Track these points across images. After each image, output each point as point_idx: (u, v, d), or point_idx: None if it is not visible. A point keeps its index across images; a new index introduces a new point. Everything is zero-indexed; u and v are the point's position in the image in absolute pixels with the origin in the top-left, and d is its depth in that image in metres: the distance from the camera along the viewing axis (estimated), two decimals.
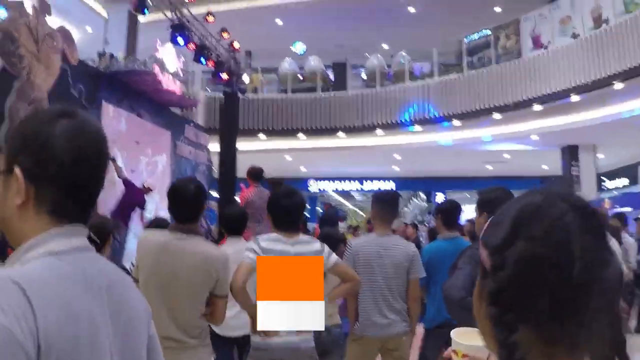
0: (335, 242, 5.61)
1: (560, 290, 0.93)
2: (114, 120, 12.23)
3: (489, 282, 1.00)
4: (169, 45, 13.42)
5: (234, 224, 5.47)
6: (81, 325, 1.24)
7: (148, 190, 11.13)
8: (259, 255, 3.86)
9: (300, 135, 19.93)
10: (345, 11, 19.26)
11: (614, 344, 1.01)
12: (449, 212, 5.71)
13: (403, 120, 18.86)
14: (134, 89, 12.79)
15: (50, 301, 1.20)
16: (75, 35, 20.69)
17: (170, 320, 3.56)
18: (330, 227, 6.11)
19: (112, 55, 13.45)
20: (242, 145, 18.74)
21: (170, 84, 13.30)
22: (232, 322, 4.63)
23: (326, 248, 4.15)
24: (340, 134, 19.55)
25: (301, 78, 21.10)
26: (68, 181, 1.34)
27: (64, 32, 10.58)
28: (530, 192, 1.06)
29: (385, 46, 21.33)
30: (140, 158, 13.23)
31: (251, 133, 19.90)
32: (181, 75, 13.89)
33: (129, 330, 1.41)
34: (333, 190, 26.66)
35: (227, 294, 3.76)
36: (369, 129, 19.23)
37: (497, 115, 16.92)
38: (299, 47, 21.65)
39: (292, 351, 4.00)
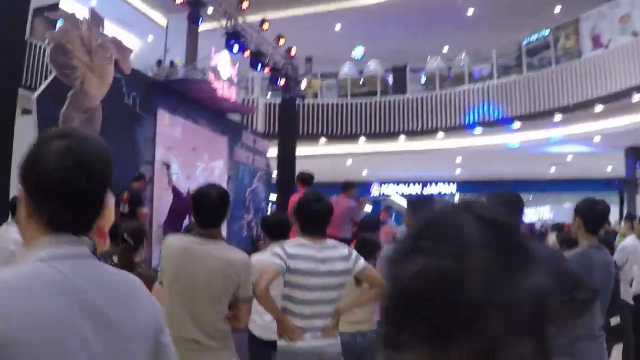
0: (372, 248, 5.63)
1: (452, 310, 0.84)
2: (170, 127, 12.59)
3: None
4: (224, 52, 13.70)
5: (274, 230, 5.52)
6: (45, 327, 1.38)
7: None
8: (285, 261, 3.92)
9: (361, 139, 20.00)
10: (403, 15, 19.31)
11: None
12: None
13: (465, 123, 18.68)
14: (189, 96, 13.10)
15: (13, 304, 1.36)
16: (137, 44, 21.46)
17: (192, 323, 3.64)
18: (370, 232, 6.13)
19: (171, 63, 13.84)
20: (303, 150, 18.97)
21: (226, 91, 13.56)
22: (273, 326, 4.71)
23: (354, 253, 4.17)
24: (401, 137, 19.53)
25: (361, 83, 21.10)
26: (61, 196, 1.51)
27: (116, 43, 10.94)
28: (441, 202, 1.00)
29: (444, 49, 21.17)
30: (197, 164, 13.56)
31: (312, 138, 20.13)
32: (235, 81, 14.11)
33: (118, 339, 1.51)
34: (396, 193, 26.59)
35: (250, 297, 3.83)
36: (429, 132, 19.20)
37: (558, 117, 16.60)
38: (358, 52, 21.75)
39: (318, 355, 4.04)
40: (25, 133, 9.21)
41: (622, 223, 10.74)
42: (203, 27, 15.21)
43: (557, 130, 17.48)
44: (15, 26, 7.99)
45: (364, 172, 24.08)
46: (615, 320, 6.16)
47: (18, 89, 8.17)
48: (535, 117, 17.17)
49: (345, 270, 4.06)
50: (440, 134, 19.17)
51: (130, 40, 22.14)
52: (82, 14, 10.46)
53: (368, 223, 6.72)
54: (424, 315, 0.86)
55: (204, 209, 3.85)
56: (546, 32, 17.76)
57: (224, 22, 14.08)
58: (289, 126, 17.37)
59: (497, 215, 0.91)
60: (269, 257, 4.18)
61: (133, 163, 11.35)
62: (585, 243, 4.22)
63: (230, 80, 13.83)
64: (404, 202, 27.91)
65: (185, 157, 13.01)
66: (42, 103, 9.26)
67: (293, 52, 16.95)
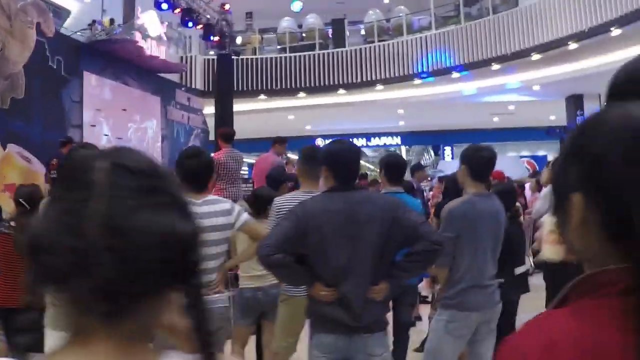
0: (264, 202, 5.62)
1: (66, 255, 0.86)
2: (98, 89, 12.66)
3: None
4: (151, 11, 13.68)
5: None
6: None
7: None
8: None
9: (301, 94, 20.13)
10: None
11: (202, 335, 0.95)
12: (394, 167, 5.77)
13: (407, 74, 18.91)
14: (117, 57, 13.12)
15: None
16: (74, 5, 21.13)
17: None
18: (273, 189, 6.21)
19: (94, 22, 13.78)
20: (243, 106, 19.09)
21: (154, 50, 13.59)
22: None
23: (237, 207, 4.22)
24: (341, 90, 19.73)
25: (300, 37, 21.17)
26: None
27: (37, 6, 10.93)
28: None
29: (385, 0, 21.32)
30: (129, 125, 13.65)
31: (252, 94, 20.14)
32: (165, 40, 14.14)
33: None
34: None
35: None
36: (368, 84, 19.37)
37: (496, 66, 16.96)
38: (296, 6, 21.74)
39: None
40: None
41: (544, 171, 10.21)
42: None
43: (495, 80, 17.88)
44: None
45: (307, 127, 24.25)
46: (519, 270, 6.20)
47: None
48: (475, 67, 17.50)
49: (226, 224, 4.09)
50: (380, 86, 19.38)
51: (67, 1, 21.82)
52: None
53: (271, 177, 6.69)
54: (45, 260, 0.88)
55: (188, 175, 4.09)
56: None
57: None
58: (225, 83, 17.41)
59: (138, 161, 0.94)
60: None
61: (61, 127, 11.42)
62: (471, 191, 4.26)
63: (159, 38, 13.85)
64: None
65: (115, 119, 13.10)
66: None
67: (227, 7, 16.91)
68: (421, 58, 18.58)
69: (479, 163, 4.27)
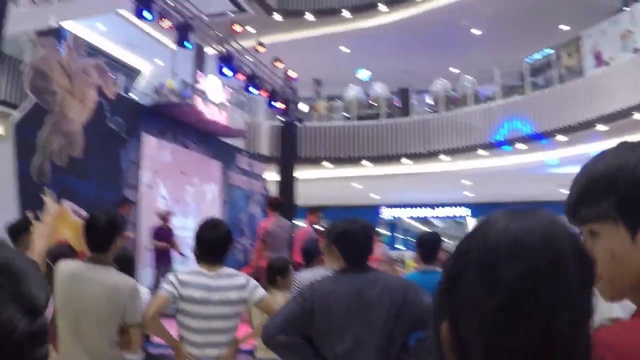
0: (275, 272, 5.76)
1: None
2: (157, 151, 12.98)
3: None
4: (214, 76, 14.08)
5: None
6: None
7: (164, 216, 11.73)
8: (177, 288, 4.01)
9: (365, 162, 20.23)
10: (410, 36, 19.59)
11: None
12: (426, 244, 5.73)
13: (474, 144, 18.77)
14: (177, 120, 13.47)
15: None
16: (146, 67, 22.00)
17: (81, 349, 3.75)
18: (306, 262, 6.17)
19: (160, 86, 14.25)
20: (308, 173, 19.29)
21: (215, 115, 13.93)
22: None
23: (252, 282, 4.19)
24: (405, 160, 19.74)
25: (367, 105, 21.42)
26: None
27: (99, 67, 11.38)
28: None
29: (451, 70, 21.41)
30: (186, 187, 13.90)
31: (316, 161, 20.38)
32: (227, 105, 14.50)
33: None
34: (407, 217, 26.79)
35: (138, 322, 3.97)
36: (432, 154, 19.34)
37: (561, 137, 16.66)
38: (363, 74, 22.06)
39: None
40: (3, 159, 9.70)
41: None
42: (210, 51, 15.58)
43: (561, 152, 17.55)
44: None
45: (374, 196, 24.27)
46: None
47: None
48: (543, 137, 17.24)
49: (240, 299, 4.10)
50: (444, 157, 19.31)
51: (140, 63, 22.83)
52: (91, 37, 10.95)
53: (305, 250, 6.65)
54: None
55: (93, 234, 4.02)
56: (549, 50, 17.89)
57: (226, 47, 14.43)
58: (288, 150, 17.66)
59: None
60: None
61: (116, 186, 11.71)
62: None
63: (220, 103, 14.20)
64: (418, 224, 28.14)
65: (173, 181, 13.39)
66: (20, 128, 9.63)
67: (292, 75, 17.28)
68: (486, 129, 18.43)
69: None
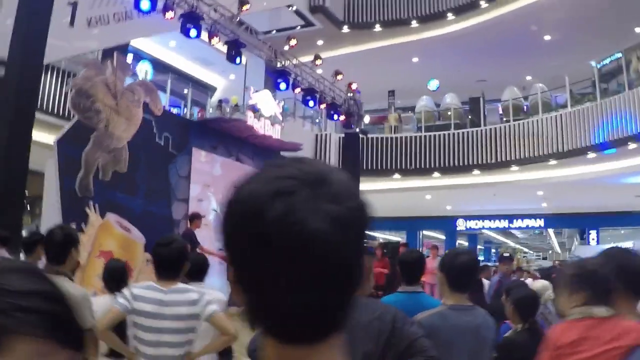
0: None
1: None
2: (207, 165, 13.40)
3: None
4: (266, 90, 14.42)
5: (192, 269, 5.82)
6: None
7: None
8: (129, 301, 4.23)
9: (435, 173, 20.16)
10: (479, 44, 19.44)
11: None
12: (408, 265, 5.59)
13: (545, 153, 18.39)
14: (230, 134, 13.88)
15: None
16: (220, 82, 22.65)
17: None
18: None
19: (221, 102, 14.69)
20: (378, 184, 19.41)
21: (268, 129, 14.27)
22: None
23: (205, 298, 4.29)
24: (475, 171, 19.57)
25: (437, 116, 21.35)
26: None
27: (145, 86, 11.94)
28: None
29: (523, 78, 21.04)
30: None
31: (386, 173, 20.49)
32: (280, 118, 14.82)
33: None
34: (483, 228, 26.43)
35: (87, 327, 4.32)
36: (503, 164, 19.11)
37: (633, 145, 16.12)
38: (433, 84, 21.98)
39: None
40: (49, 172, 10.32)
41: None
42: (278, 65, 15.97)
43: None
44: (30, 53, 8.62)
45: (447, 207, 24.06)
46: None
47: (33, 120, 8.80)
48: (615, 145, 16.77)
49: (192, 315, 4.21)
50: (515, 167, 19.01)
51: (214, 79, 23.55)
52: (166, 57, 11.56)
53: None
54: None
55: (49, 247, 4.46)
56: (618, 54, 17.33)
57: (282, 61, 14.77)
58: (351, 161, 17.84)
59: None
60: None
61: (165, 200, 12.19)
62: (447, 302, 3.87)
63: (273, 117, 14.53)
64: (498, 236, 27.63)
65: (225, 194, 13.73)
66: (63, 145, 10.22)
67: (354, 87, 17.46)
68: (556, 137, 18.03)
69: (456, 271, 3.84)
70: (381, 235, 27.15)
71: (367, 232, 1.04)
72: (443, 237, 27.11)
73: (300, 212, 0.94)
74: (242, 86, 20.90)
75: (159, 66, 20.98)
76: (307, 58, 16.03)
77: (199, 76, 23.00)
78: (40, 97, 13.49)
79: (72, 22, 12.27)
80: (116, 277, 5.42)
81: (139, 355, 4.24)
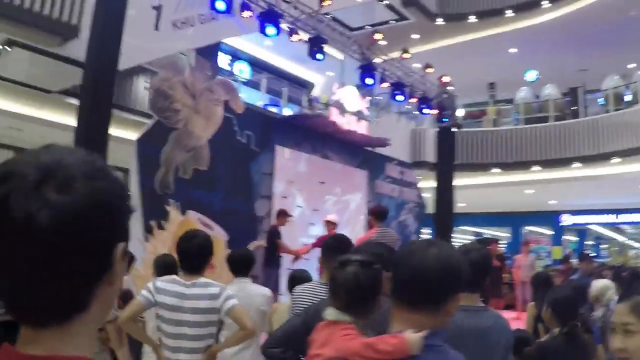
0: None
1: None
2: (292, 162, 13.46)
3: None
4: (350, 86, 14.35)
5: (236, 265, 5.82)
6: None
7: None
8: (152, 295, 4.33)
9: (535, 167, 19.54)
10: (577, 32, 18.74)
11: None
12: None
13: None
14: (313, 131, 13.88)
15: None
16: (318, 79, 22.76)
17: None
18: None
19: (311, 100, 14.75)
20: (476, 180, 19.03)
21: (353, 124, 14.20)
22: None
23: (225, 293, 4.38)
24: (575, 164, 18.83)
25: (537, 107, 20.67)
26: None
27: (225, 84, 12.10)
28: None
29: (630, 65, 20.05)
30: (327, 197, 14.25)
31: (484, 167, 20.08)
32: (366, 113, 14.72)
33: None
34: (589, 224, 25.38)
35: (111, 319, 4.47)
36: (604, 157, 18.33)
37: None
38: (530, 75, 21.29)
39: None
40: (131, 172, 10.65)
41: None
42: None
43: None
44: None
45: (551, 202, 23.24)
46: None
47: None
48: None
49: (211, 308, 4.31)
50: (616, 159, 18.17)
51: (312, 76, 23.68)
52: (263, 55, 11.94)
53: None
54: None
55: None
56: None
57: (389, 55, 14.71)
58: (445, 156, 17.50)
59: None
60: None
61: (247, 197, 12.33)
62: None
63: (359, 113, 14.44)
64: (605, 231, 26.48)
65: (310, 191, 13.81)
66: (142, 144, 10.50)
67: (445, 80, 17.13)
68: None
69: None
70: (485, 231, 26.59)
71: (110, 218, 1.06)
72: (549, 232, 26.26)
73: (17, 199, 0.97)
74: (338, 83, 20.94)
75: (256, 65, 21.31)
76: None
77: (296, 74, 23.17)
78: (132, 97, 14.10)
79: (157, 27, 12.60)
80: (164, 272, 5.47)
81: (162, 347, 4.35)
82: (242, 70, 20.73)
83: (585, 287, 6.80)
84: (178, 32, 12.73)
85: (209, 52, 12.49)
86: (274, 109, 19.30)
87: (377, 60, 14.67)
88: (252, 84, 21.15)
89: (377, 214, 9.92)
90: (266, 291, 5.65)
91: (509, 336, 3.58)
